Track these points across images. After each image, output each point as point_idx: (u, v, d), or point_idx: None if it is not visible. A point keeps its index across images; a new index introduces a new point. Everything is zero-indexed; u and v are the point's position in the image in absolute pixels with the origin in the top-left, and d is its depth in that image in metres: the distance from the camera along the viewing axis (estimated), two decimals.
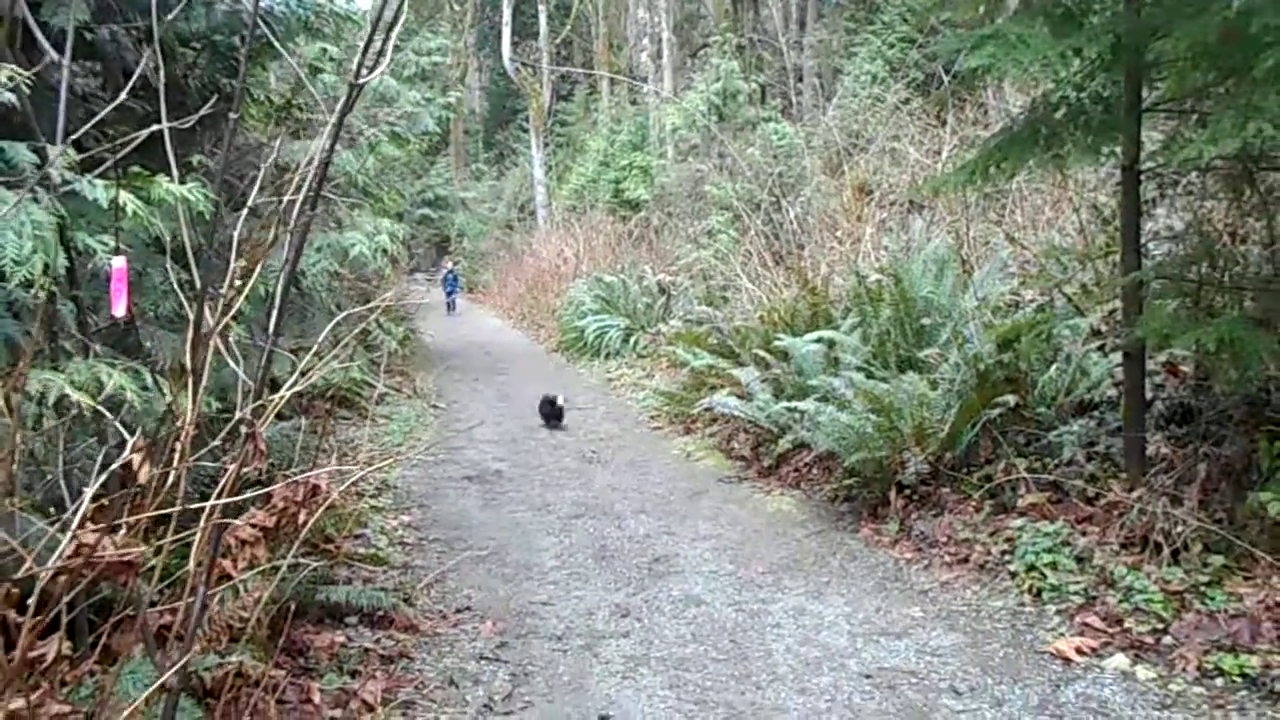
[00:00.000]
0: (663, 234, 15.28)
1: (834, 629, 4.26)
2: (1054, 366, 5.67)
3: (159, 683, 2.28)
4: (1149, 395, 5.13)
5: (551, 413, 9.03)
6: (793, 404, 6.30)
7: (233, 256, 2.57)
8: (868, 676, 3.80)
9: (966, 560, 4.80)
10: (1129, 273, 4.98)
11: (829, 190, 11.37)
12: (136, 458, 2.00)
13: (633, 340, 12.67)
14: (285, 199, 2.77)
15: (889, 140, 11.55)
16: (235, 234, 2.64)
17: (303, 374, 2.69)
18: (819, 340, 6.87)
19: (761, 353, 7.42)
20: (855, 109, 13.82)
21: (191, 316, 2.50)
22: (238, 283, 2.32)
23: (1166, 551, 4.25)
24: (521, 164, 27.55)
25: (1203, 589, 3.94)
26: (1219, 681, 3.49)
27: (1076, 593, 4.22)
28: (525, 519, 6.08)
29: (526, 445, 8.30)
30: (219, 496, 2.43)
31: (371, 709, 3.61)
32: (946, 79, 13.11)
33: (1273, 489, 4.08)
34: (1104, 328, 6.00)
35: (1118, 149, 4.87)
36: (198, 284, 2.50)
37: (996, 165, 4.91)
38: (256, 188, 2.78)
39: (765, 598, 4.65)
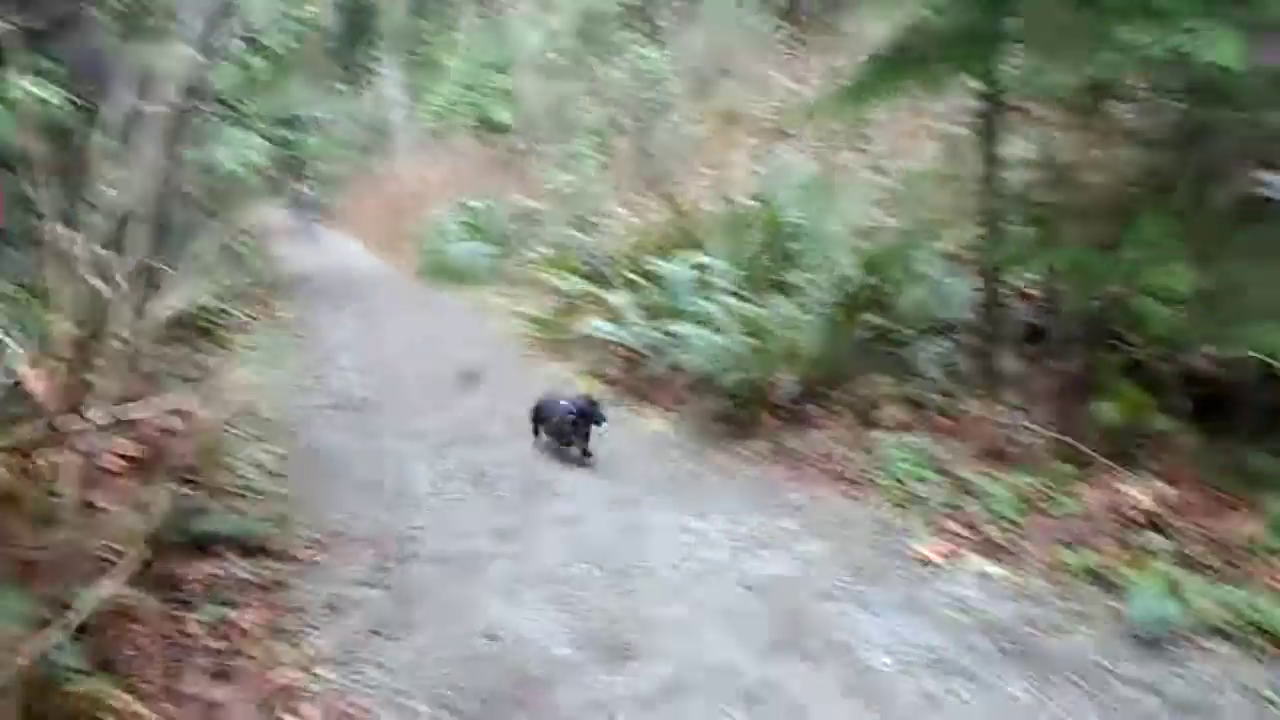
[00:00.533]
0: (529, 158, 15.05)
1: (712, 543, 4.40)
2: (915, 289, 5.91)
3: (42, 620, 2.20)
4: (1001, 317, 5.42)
5: (578, 428, 5.57)
6: (667, 327, 6.39)
7: (88, 168, 2.43)
8: (746, 586, 3.95)
9: (836, 474, 5.01)
10: (986, 199, 5.21)
11: (695, 116, 11.39)
12: (28, 371, 1.89)
13: (500, 266, 12.52)
14: (146, 107, 2.63)
15: (754, 67, 11.61)
16: (91, 144, 2.49)
17: (177, 295, 2.58)
18: (691, 264, 6.94)
19: (634, 277, 7.46)
20: (719, 34, 13.80)
21: (47, 232, 2.36)
22: (110, 194, 2.19)
23: (1017, 459, 4.55)
24: (378, 84, 26.51)
25: (1050, 493, 4.24)
26: (1065, 576, 3.79)
27: (937, 501, 4.48)
28: (398, 446, 6.01)
29: (394, 373, 8.16)
30: (89, 420, 2.33)
31: (252, 638, 3.56)
32: (810, 5, 13.22)
33: (1112, 400, 4.39)
34: (960, 252, 6.28)
35: (978, 77, 5.05)
36: (51, 198, 2.35)
37: (871, 89, 5.03)
38: (118, 95, 2.61)
39: (644, 516, 4.75)
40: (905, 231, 6.49)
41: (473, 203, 14.09)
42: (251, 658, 3.39)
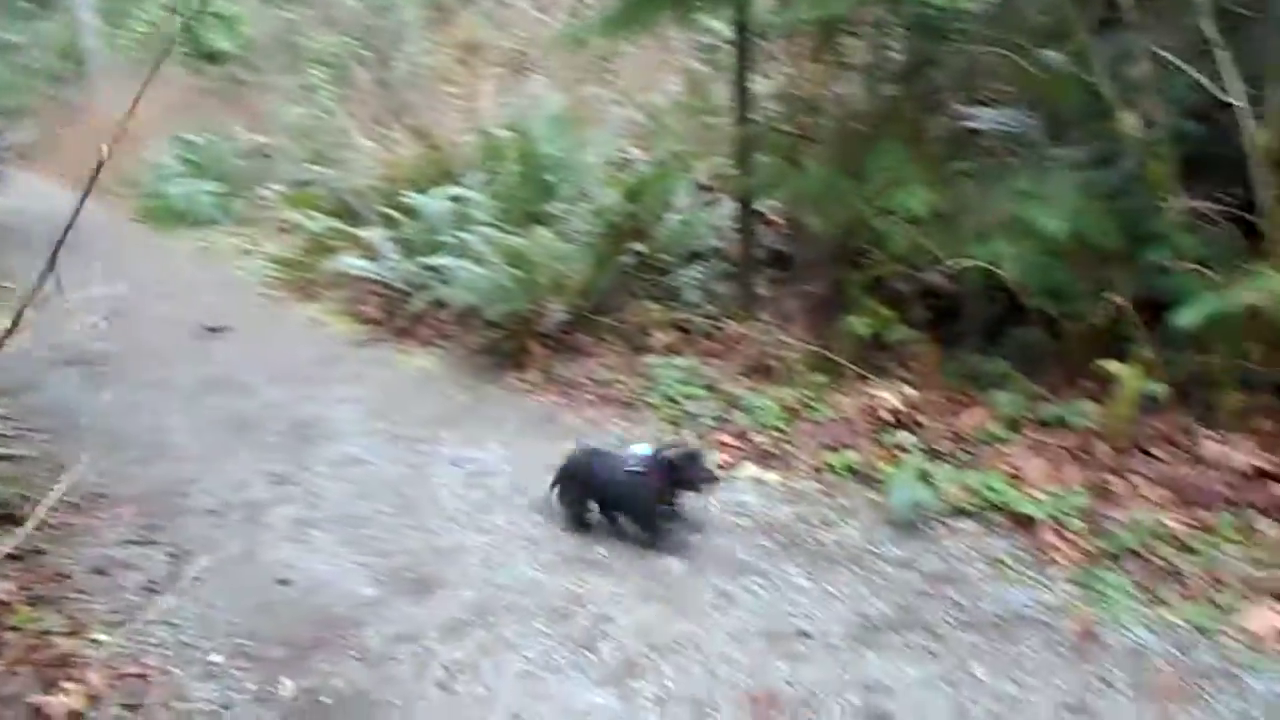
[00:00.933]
0: (254, 90, 14.07)
1: (496, 472, 4.43)
2: (673, 218, 6.14)
3: None
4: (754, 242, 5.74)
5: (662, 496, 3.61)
6: (428, 261, 6.27)
7: None
8: (536, 510, 4.03)
9: (610, 399, 5.16)
10: (738, 129, 5.47)
11: (436, 46, 11.08)
12: None
13: (231, 206, 11.74)
14: None
15: None
16: None
17: None
18: (447, 197, 6.82)
19: (387, 211, 7.23)
20: None
21: None
22: None
23: (779, 374, 4.88)
24: (70, 6, 23.74)
25: (810, 402, 4.59)
26: (830, 476, 4.14)
27: (709, 416, 4.72)
28: (146, 399, 5.58)
29: (130, 324, 7.48)
30: None
31: (10, 608, 3.26)
32: None
33: (859, 315, 4.77)
34: (712, 182, 6.57)
35: (731, 11, 5.25)
36: None
37: (625, 21, 5.12)
38: None
39: (424, 451, 4.71)
40: (660, 162, 6.69)
41: (193, 138, 13.05)
42: (14, 630, 3.11)
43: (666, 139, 7.10)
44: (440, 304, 6.44)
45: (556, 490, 3.87)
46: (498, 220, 6.49)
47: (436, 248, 6.42)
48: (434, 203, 6.80)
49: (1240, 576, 3.16)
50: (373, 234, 7.13)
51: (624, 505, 3.72)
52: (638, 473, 3.60)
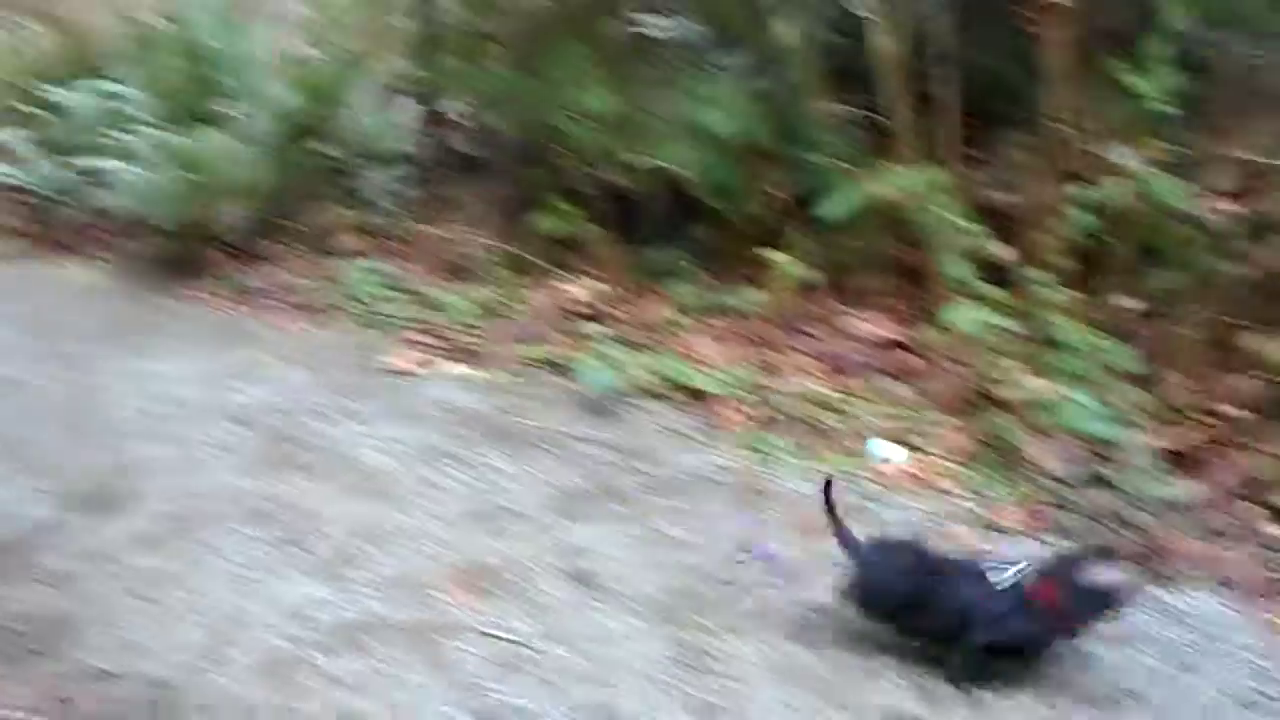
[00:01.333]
0: None
1: (182, 384, 4.22)
2: (355, 120, 5.96)
3: None
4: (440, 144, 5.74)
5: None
6: (80, 164, 5.70)
7: None
8: (230, 418, 3.91)
9: (299, 305, 5.01)
10: (419, 29, 5.41)
11: None
12: None
13: None
14: None
15: None
16: None
17: None
18: (99, 93, 6.19)
19: (23, 109, 6.45)
20: None
21: None
22: None
23: (470, 273, 4.98)
24: None
25: (503, 299, 4.75)
26: (525, 367, 4.33)
27: (404, 318, 4.73)
28: None
29: None
30: None
31: None
32: None
33: (546, 213, 4.93)
34: (394, 82, 6.42)
35: None
36: None
37: None
38: None
39: (93, 368, 4.36)
40: (338, 61, 6.43)
41: None
42: None
43: (344, 37, 6.81)
44: (101, 212, 5.89)
45: (855, 604, 2.54)
46: (159, 119, 6.00)
47: (91, 150, 5.84)
48: (83, 99, 6.15)
49: (875, 429, 3.73)
50: (7, 134, 6.35)
51: (993, 639, 2.32)
52: (1018, 590, 2.32)
